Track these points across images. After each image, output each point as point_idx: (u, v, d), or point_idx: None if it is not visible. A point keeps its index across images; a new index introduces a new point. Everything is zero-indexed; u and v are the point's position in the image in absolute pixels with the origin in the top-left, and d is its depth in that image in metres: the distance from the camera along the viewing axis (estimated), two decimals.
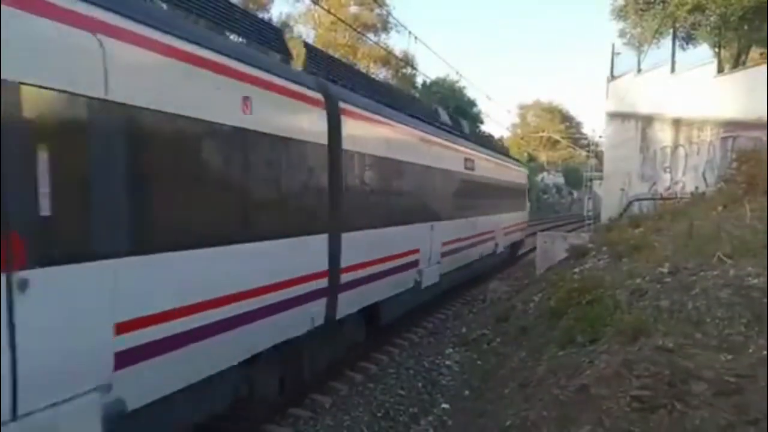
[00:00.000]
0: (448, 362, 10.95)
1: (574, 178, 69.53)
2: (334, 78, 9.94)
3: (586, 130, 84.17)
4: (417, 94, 39.57)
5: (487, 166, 19.67)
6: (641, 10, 24.01)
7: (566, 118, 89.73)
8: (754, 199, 11.04)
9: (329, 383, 9.45)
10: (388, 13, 44.17)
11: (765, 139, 15.31)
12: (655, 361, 5.63)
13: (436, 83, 45.96)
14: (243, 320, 6.57)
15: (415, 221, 12.18)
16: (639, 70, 23.95)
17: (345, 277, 9.04)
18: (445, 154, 14.70)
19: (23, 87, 4.12)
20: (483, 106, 56.89)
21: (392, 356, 11.31)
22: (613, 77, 24.82)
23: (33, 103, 4.21)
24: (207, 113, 6.07)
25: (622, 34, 26.79)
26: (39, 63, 4.30)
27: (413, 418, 8.53)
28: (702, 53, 24.72)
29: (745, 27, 21.69)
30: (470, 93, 48.88)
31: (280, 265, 7.42)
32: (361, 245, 9.53)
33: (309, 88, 8.28)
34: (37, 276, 4.17)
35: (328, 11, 35.47)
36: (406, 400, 9.22)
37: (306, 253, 8.07)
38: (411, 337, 12.73)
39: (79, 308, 4.61)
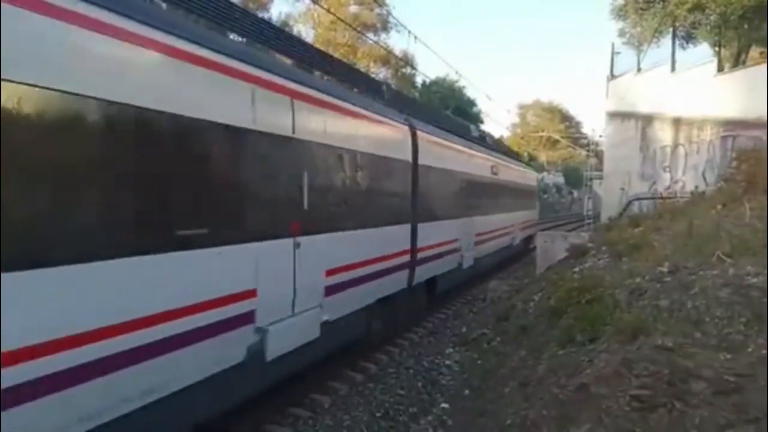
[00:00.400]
0: (448, 362, 10.95)
1: (574, 178, 69.55)
2: (404, 107, 13.47)
3: (586, 129, 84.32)
4: (417, 94, 39.57)
5: (507, 171, 23.40)
6: (641, 9, 24.03)
7: (566, 118, 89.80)
8: (754, 197, 11.04)
9: (329, 383, 9.45)
10: (388, 13, 44.18)
11: (765, 138, 15.31)
12: (654, 360, 5.63)
13: (436, 83, 45.98)
14: (376, 276, 10.33)
15: (458, 216, 15.71)
16: (639, 70, 23.97)
17: (419, 255, 12.56)
18: (477, 163, 18.50)
19: (296, 139, 7.70)
20: (483, 105, 56.93)
21: (392, 356, 11.31)
22: (612, 76, 24.84)
23: (303, 147, 7.87)
24: (375, 149, 10.26)
25: (621, 33, 26.85)
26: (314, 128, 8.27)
27: (413, 417, 8.53)
28: (702, 52, 24.74)
29: (745, 26, 21.72)
30: (470, 92, 48.99)
31: (395, 242, 11.38)
32: (427, 233, 12.94)
33: (401, 122, 12.15)
34: (302, 240, 7.69)
35: (328, 10, 35.45)
36: (406, 399, 9.22)
37: (403, 236, 11.90)
38: (411, 337, 12.73)
39: (315, 258, 8.07)
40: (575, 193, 71.31)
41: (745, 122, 17.79)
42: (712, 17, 21.82)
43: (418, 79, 47.19)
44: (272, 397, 8.08)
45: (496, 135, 45.67)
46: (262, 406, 7.94)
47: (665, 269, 8.35)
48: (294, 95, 7.77)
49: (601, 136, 42.12)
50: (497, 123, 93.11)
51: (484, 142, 21.95)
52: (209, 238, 6.02)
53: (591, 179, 41.25)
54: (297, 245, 7.57)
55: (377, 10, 44.30)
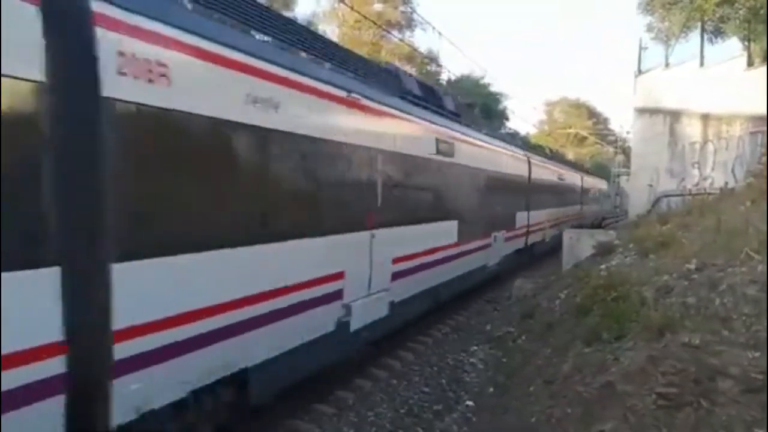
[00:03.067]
0: (472, 359, 10.92)
1: (602, 175, 68.92)
2: (604, 173, 25.81)
3: (614, 126, 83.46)
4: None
5: (593, 182, 41.10)
6: (668, 3, 23.75)
7: (593, 114, 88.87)
8: None
9: (353, 379, 9.47)
10: (413, 10, 44.15)
11: None
12: (681, 358, 5.58)
13: (461, 80, 45.79)
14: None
15: (586, 203, 34.10)
16: (667, 65, 23.70)
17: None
18: (590, 182, 36.80)
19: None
20: (508, 102, 56.67)
21: (416, 353, 11.30)
22: (640, 72, 24.60)
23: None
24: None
25: (649, 28, 26.55)
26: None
27: (437, 414, 8.52)
28: (731, 47, 24.41)
29: None
30: (495, 89, 48.69)
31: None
32: (588, 208, 31.62)
33: (577, 172, 31.63)
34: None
35: (352, 8, 35.43)
36: (431, 396, 9.21)
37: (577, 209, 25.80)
38: (435, 334, 12.71)
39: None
40: None
41: None
42: (741, 11, 21.52)
43: (443, 76, 47.05)
44: (296, 393, 8.11)
45: (523, 131, 45.58)
46: (286, 403, 7.99)
47: (693, 266, 8.26)
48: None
49: (628, 133, 41.85)
50: (523, 120, 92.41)
51: (593, 172, 46.80)
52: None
53: (618, 176, 41.46)
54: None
55: (402, 8, 44.30)
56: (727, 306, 6.65)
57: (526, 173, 19.95)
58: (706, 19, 22.80)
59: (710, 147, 20.99)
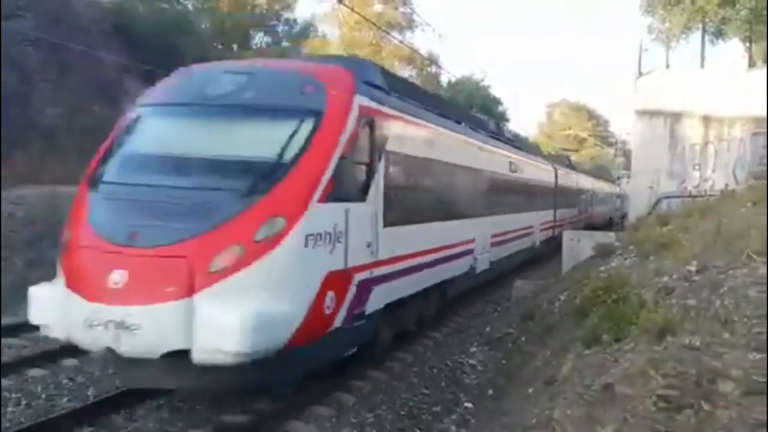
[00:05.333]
0: (472, 361, 10.90)
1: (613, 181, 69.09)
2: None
3: (614, 128, 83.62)
4: (442, 92, 39.53)
5: (613, 186, 56.33)
6: (669, 5, 23.74)
7: (593, 116, 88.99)
8: None
9: (352, 382, 9.44)
10: (413, 11, 44.20)
11: None
12: (681, 360, 5.54)
13: (461, 82, 45.83)
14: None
15: (609, 203, 48.93)
16: (668, 66, 23.69)
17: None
18: (613, 190, 56.21)
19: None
20: (509, 104, 56.76)
21: (416, 355, 11.28)
22: (641, 74, 24.57)
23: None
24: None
25: (650, 30, 26.54)
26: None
27: (436, 416, 8.50)
28: (732, 48, 24.40)
29: None
30: (495, 91, 48.79)
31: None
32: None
33: (614, 184, 58.09)
34: None
35: (352, 9, 35.42)
36: (430, 398, 9.18)
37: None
38: (435, 336, 12.69)
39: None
40: None
41: None
42: (742, 12, 21.49)
43: (444, 78, 47.09)
44: (296, 395, 8.09)
45: (523, 134, 45.71)
46: (285, 405, 7.96)
47: (693, 268, 8.20)
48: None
49: (629, 134, 41.87)
50: (524, 121, 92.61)
51: (611, 178, 61.10)
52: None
53: (619, 178, 41.68)
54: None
55: (402, 9, 44.36)
56: (728, 308, 6.60)
57: (590, 187, 38.21)
58: (707, 20, 22.80)
59: (711, 148, 21.01)
